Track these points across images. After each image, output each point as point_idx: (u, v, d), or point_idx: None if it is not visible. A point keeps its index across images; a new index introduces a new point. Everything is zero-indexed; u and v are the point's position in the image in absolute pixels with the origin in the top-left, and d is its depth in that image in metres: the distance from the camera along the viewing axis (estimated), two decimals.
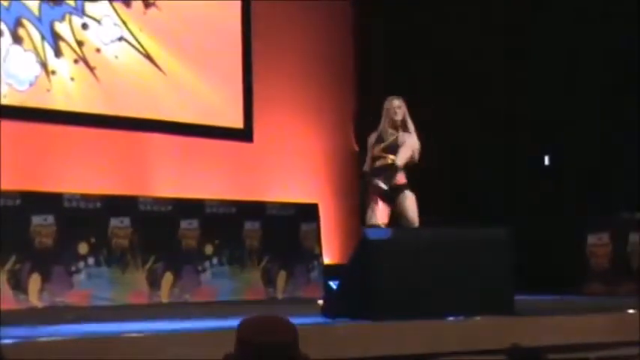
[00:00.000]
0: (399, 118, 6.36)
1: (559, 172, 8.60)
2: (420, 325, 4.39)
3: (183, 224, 7.49)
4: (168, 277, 7.29)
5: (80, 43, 7.40)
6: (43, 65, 7.20)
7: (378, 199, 6.33)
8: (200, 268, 7.54)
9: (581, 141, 8.34)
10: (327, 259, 8.49)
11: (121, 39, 7.67)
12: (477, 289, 4.84)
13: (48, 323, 4.89)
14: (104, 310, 6.49)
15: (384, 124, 6.40)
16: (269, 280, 8.00)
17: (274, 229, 8.06)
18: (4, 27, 6.98)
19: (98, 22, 7.54)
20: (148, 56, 7.80)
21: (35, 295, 6.62)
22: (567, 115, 8.44)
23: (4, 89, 6.97)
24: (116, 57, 7.62)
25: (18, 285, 6.54)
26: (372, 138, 6.44)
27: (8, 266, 6.51)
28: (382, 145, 6.34)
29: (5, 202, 6.58)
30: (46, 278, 6.67)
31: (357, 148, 9.17)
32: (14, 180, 6.81)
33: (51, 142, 7.16)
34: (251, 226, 7.97)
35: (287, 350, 2.30)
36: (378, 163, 6.35)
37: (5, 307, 6.24)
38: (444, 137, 8.76)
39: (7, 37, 7.00)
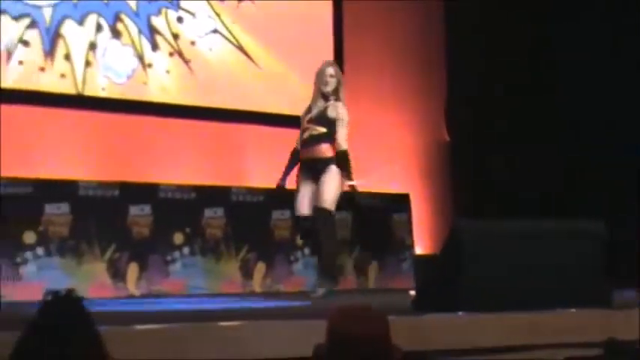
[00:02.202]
0: (329, 88, 5.80)
1: None
2: (513, 317, 4.35)
3: (276, 214, 7.56)
4: (260, 267, 7.38)
5: (175, 36, 7.54)
6: (140, 58, 7.35)
7: (306, 179, 5.81)
8: (292, 258, 7.61)
9: None
10: (418, 250, 8.47)
11: (214, 31, 7.78)
12: (572, 282, 4.76)
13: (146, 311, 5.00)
14: (200, 299, 6.60)
15: (314, 93, 5.87)
16: (360, 270, 8.02)
17: (366, 220, 8.07)
18: (103, 22, 7.16)
19: (193, 15, 7.66)
20: (240, 48, 7.89)
21: (133, 283, 6.78)
22: None
23: (104, 82, 7.15)
24: (210, 49, 7.74)
25: (117, 274, 6.72)
26: (305, 110, 5.87)
27: (108, 255, 6.69)
28: (309, 115, 5.85)
29: (104, 192, 6.76)
30: (143, 267, 6.83)
31: (448, 138, 9.12)
32: (112, 171, 6.99)
33: (148, 134, 7.31)
34: (342, 216, 7.99)
35: (380, 341, 2.31)
36: (305, 135, 5.87)
37: (105, 295, 6.42)
38: (539, 128, 8.64)
39: (106, 32, 7.17)
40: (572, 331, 4.30)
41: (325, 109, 5.83)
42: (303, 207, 5.81)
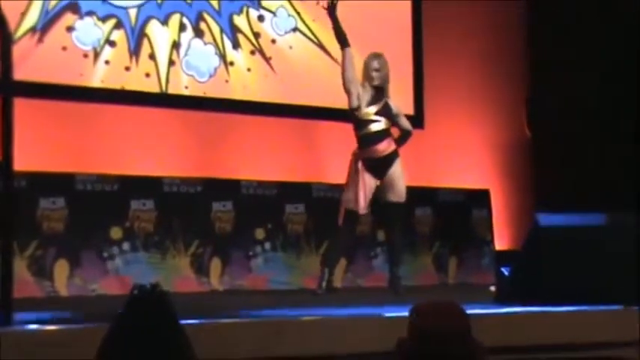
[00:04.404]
0: (376, 83, 5.86)
1: None
2: (598, 314, 4.31)
3: None
4: (342, 263, 7.42)
5: (257, 35, 7.63)
6: (222, 57, 7.46)
7: (366, 172, 5.82)
8: (373, 254, 7.64)
9: None
10: (498, 246, 8.43)
11: (295, 30, 7.85)
12: None
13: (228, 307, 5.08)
14: (280, 294, 6.67)
15: (364, 84, 5.88)
16: (440, 266, 8.02)
17: (445, 215, 8.06)
18: (186, 22, 7.29)
19: (273, 13, 7.74)
20: (321, 46, 7.94)
21: (217, 278, 6.90)
22: None
23: (186, 81, 7.28)
24: (290, 47, 7.81)
25: (200, 269, 6.84)
26: (352, 101, 5.87)
27: (191, 250, 6.82)
28: (375, 107, 5.86)
29: (188, 189, 6.89)
30: (226, 262, 6.94)
31: (529, 134, 9.03)
32: (195, 168, 7.11)
33: (230, 131, 7.42)
34: (422, 212, 7.99)
35: (461, 336, 2.33)
36: (374, 128, 5.89)
37: (189, 289, 6.55)
38: (626, 121, 8.48)
39: (189, 31, 7.30)
40: None
41: (387, 104, 5.94)
42: (364, 204, 5.86)
